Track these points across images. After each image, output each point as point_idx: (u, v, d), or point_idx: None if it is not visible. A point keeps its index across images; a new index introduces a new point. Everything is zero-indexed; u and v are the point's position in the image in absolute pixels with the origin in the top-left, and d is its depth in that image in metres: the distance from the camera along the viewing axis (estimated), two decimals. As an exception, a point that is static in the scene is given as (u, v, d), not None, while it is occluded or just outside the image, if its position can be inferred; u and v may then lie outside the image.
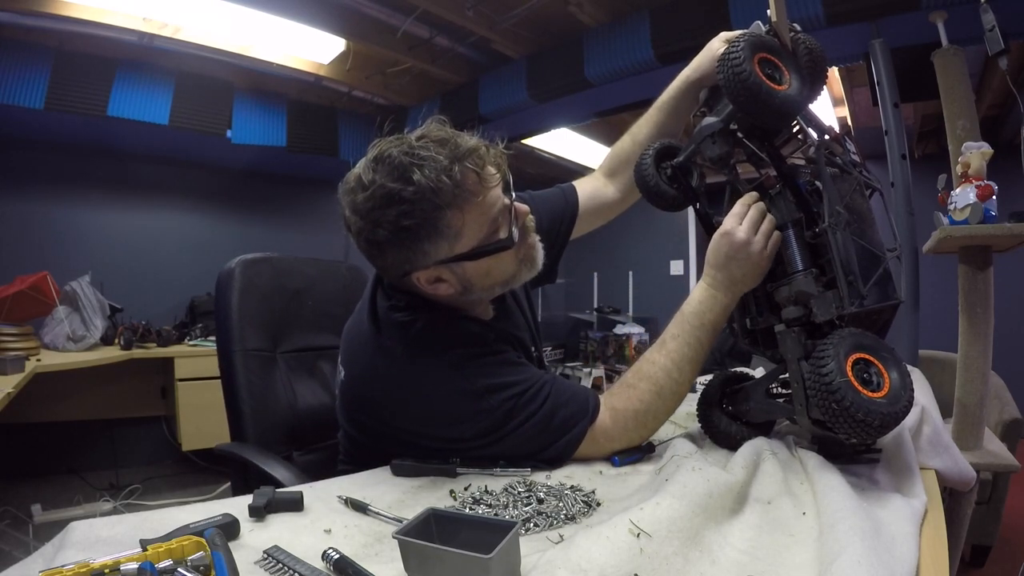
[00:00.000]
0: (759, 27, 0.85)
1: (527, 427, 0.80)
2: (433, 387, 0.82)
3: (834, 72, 3.07)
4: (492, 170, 0.80)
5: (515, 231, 0.82)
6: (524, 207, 0.85)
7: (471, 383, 0.80)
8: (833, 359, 0.64)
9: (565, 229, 1.13)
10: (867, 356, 0.67)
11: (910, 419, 0.78)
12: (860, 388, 0.64)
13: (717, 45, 0.95)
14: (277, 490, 0.68)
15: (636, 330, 4.96)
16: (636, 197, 1.11)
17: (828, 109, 3.55)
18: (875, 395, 0.64)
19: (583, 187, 1.17)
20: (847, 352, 0.66)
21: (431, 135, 0.78)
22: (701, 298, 0.84)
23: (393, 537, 0.50)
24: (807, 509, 0.62)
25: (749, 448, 0.75)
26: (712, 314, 0.83)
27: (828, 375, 0.64)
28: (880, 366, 0.67)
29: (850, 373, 0.64)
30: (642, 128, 1.09)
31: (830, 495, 0.60)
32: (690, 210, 0.92)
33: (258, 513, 0.63)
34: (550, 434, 0.81)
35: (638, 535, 0.51)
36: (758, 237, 0.79)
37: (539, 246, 0.89)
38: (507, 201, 0.82)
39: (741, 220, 0.80)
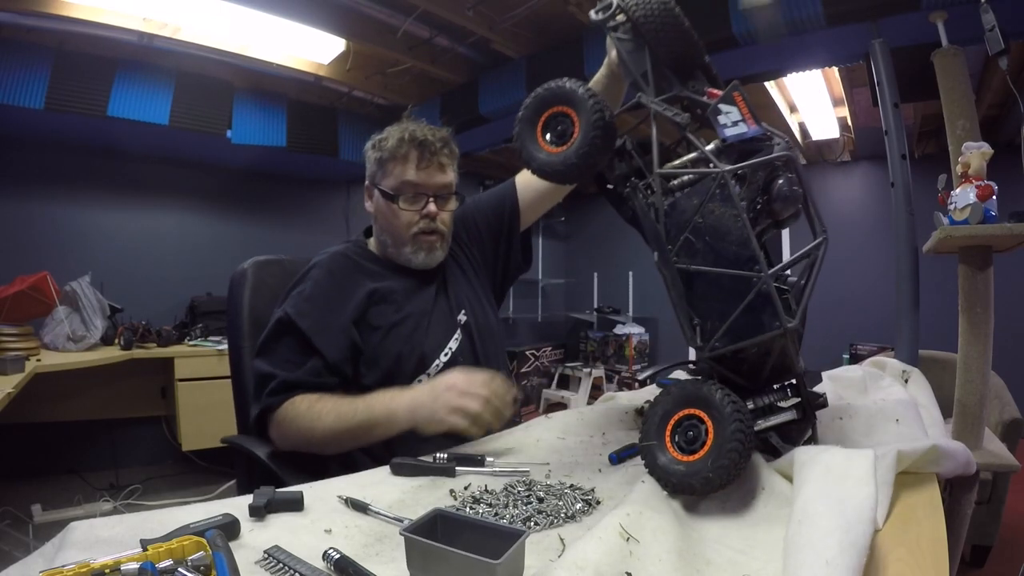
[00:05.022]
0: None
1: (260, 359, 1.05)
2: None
3: (834, 72, 3.07)
4: (444, 163, 1.13)
5: (402, 204, 1.11)
6: (433, 209, 1.12)
7: (300, 282, 1.11)
8: (650, 420, 0.66)
9: (509, 215, 1.30)
10: (697, 412, 0.63)
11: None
12: (671, 450, 0.64)
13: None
14: (277, 490, 0.68)
15: (636, 330, 4.97)
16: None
17: (828, 109, 3.55)
18: (687, 458, 0.62)
19: (520, 177, 1.32)
20: (669, 410, 0.65)
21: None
22: (400, 398, 0.95)
23: (400, 534, 0.50)
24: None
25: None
26: (391, 417, 0.93)
27: (643, 438, 0.65)
28: (709, 423, 0.63)
29: (668, 433, 0.64)
30: None
31: (804, 490, 0.59)
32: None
33: (258, 513, 0.63)
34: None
35: (627, 539, 0.51)
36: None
37: (439, 247, 1.15)
38: (425, 184, 1.11)
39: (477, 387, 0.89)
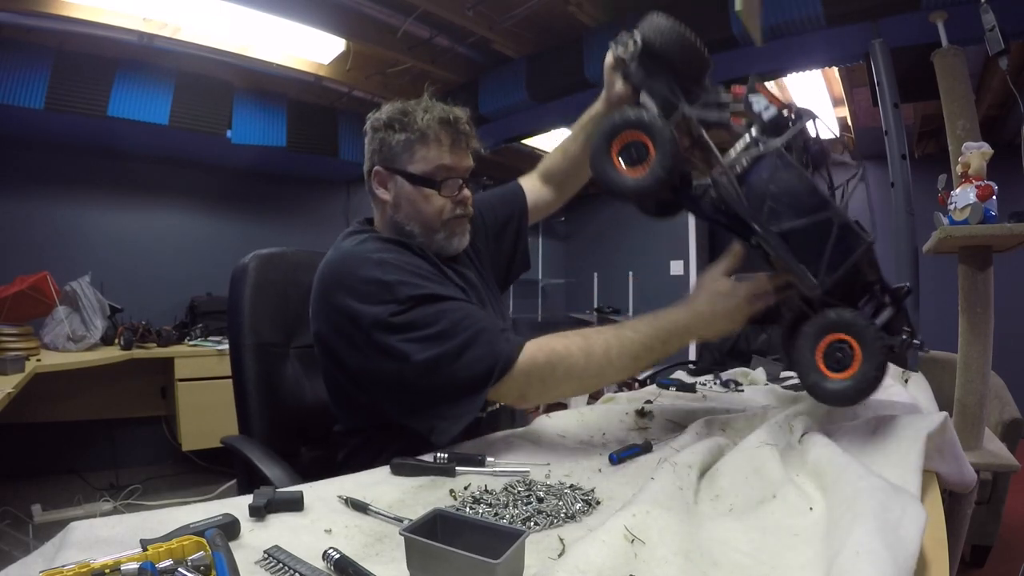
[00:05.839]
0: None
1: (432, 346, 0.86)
2: (356, 268, 0.93)
3: (834, 72, 3.07)
4: (471, 145, 1.04)
5: (444, 191, 1.01)
6: (468, 193, 1.05)
7: (383, 272, 0.91)
8: (804, 349, 0.77)
9: (519, 216, 1.28)
10: (841, 336, 0.75)
11: (933, 424, 0.76)
12: (825, 371, 0.76)
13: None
14: (277, 490, 0.68)
15: (636, 330, 4.96)
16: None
17: (828, 109, 3.55)
18: (839, 376, 0.75)
19: (526, 185, 1.31)
20: (817, 336, 0.76)
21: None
22: (686, 325, 0.90)
23: (400, 534, 0.50)
24: (813, 504, 0.61)
25: (748, 441, 0.75)
26: (678, 343, 0.90)
27: (800, 367, 0.77)
28: (854, 342, 0.74)
29: (821, 356, 0.76)
30: (570, 145, 1.24)
31: (838, 481, 0.60)
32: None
33: (258, 513, 0.63)
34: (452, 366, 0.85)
35: (632, 541, 0.51)
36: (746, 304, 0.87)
37: (466, 231, 1.08)
38: (458, 167, 1.02)
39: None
